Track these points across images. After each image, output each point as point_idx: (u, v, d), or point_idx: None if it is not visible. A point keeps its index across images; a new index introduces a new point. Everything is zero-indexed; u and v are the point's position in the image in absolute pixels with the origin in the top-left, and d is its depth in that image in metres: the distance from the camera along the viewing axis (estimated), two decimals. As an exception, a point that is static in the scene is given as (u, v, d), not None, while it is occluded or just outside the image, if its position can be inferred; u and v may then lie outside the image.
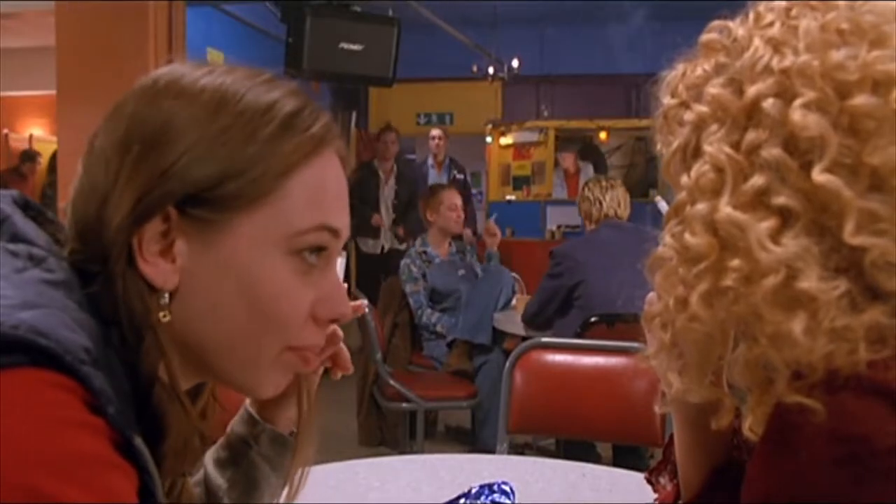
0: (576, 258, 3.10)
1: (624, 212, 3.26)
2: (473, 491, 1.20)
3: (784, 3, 0.62)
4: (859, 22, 0.57)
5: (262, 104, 0.63)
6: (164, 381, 0.61)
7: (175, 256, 0.61)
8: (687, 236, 0.59)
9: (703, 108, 0.61)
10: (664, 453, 0.90)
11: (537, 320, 3.22)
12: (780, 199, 0.55)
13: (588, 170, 7.94)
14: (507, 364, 2.02)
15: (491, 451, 2.49)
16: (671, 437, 0.85)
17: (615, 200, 3.23)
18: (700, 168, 0.59)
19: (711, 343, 0.59)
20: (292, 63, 3.32)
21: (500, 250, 4.20)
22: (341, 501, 1.27)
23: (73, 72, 3.04)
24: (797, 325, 0.53)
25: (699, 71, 0.64)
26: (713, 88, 0.61)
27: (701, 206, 0.58)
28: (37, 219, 0.64)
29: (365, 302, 0.84)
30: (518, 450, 3.55)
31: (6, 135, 8.42)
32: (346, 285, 0.72)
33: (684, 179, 0.61)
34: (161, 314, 0.61)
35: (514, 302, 3.74)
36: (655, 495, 0.89)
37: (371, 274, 5.87)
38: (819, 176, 0.53)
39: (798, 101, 0.55)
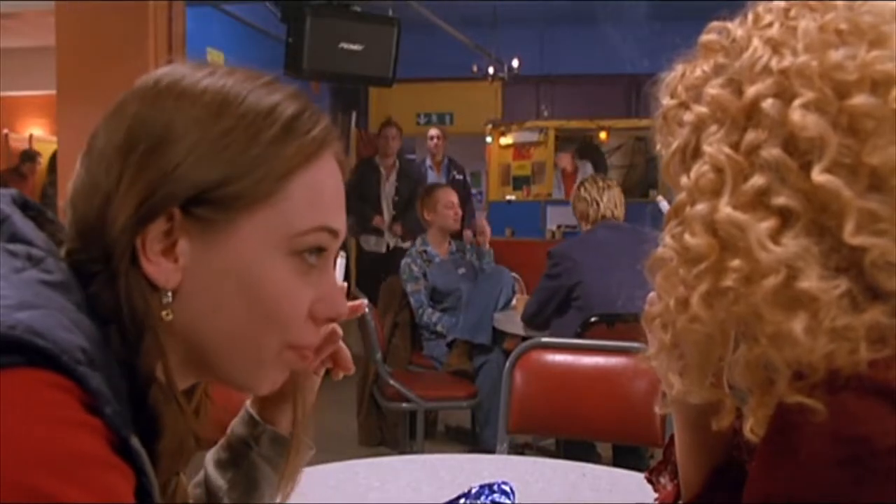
0: (573, 258, 3.10)
1: (620, 212, 3.26)
2: (473, 491, 1.20)
3: (783, 3, 0.62)
4: (858, 22, 0.57)
5: (264, 107, 0.64)
6: (161, 382, 0.61)
7: (177, 256, 0.62)
8: (687, 237, 0.59)
9: (702, 109, 0.61)
10: (664, 453, 0.90)
11: (536, 321, 3.22)
12: (779, 200, 0.55)
13: (586, 169, 7.92)
14: (507, 364, 2.02)
15: (491, 451, 2.49)
16: (671, 437, 0.85)
17: (612, 201, 3.23)
18: (700, 168, 0.59)
19: (712, 344, 0.59)
20: (292, 63, 3.32)
21: (501, 250, 4.21)
22: (341, 501, 1.27)
23: (73, 72, 3.04)
24: (798, 325, 0.53)
25: (698, 72, 0.64)
26: (712, 89, 0.61)
27: (701, 207, 0.58)
28: (36, 219, 0.64)
29: (364, 301, 0.85)
30: (518, 450, 3.55)
31: (6, 135, 8.42)
32: (345, 285, 0.73)
33: (684, 180, 0.61)
34: (164, 313, 0.61)
35: (514, 302, 3.74)
36: (656, 495, 0.89)
37: (373, 273, 5.73)
38: (819, 176, 0.53)
39: (797, 102, 0.55)
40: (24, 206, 0.64)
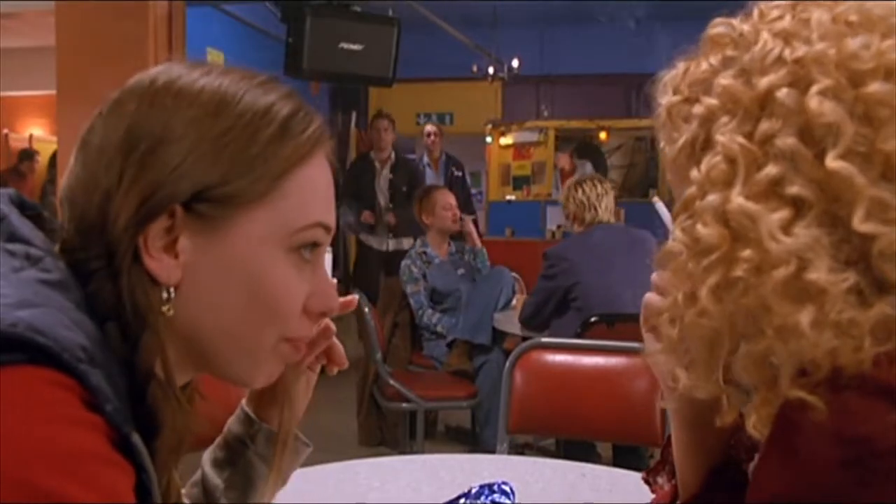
0: (570, 259, 3.10)
1: (613, 219, 3.27)
2: (473, 491, 1.20)
3: (789, 1, 0.62)
4: (868, 14, 0.58)
5: (261, 107, 0.65)
6: (159, 378, 0.61)
7: (178, 252, 0.63)
8: (698, 228, 0.58)
9: (712, 101, 0.61)
10: (662, 454, 0.90)
11: (534, 322, 3.22)
12: (793, 189, 0.55)
13: (585, 168, 7.91)
14: (507, 364, 2.01)
15: (491, 451, 2.49)
16: (669, 437, 0.85)
17: (608, 208, 3.23)
18: (712, 160, 0.59)
19: (720, 338, 0.59)
20: (292, 63, 3.32)
21: (500, 250, 4.22)
22: (341, 501, 1.27)
23: (73, 72, 3.04)
24: (805, 318, 0.53)
25: (704, 66, 0.64)
26: (724, 80, 0.60)
27: (713, 198, 0.58)
28: (33, 218, 0.64)
29: (356, 297, 0.85)
30: (518, 450, 3.55)
31: (6, 135, 8.42)
32: (335, 281, 0.75)
33: (694, 173, 0.61)
34: (165, 308, 0.62)
35: (514, 302, 3.74)
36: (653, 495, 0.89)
37: (372, 271, 5.55)
38: (833, 162, 0.54)
39: (815, 88, 0.55)
40: (21, 206, 0.64)
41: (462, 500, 1.19)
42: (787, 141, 0.56)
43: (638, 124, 8.11)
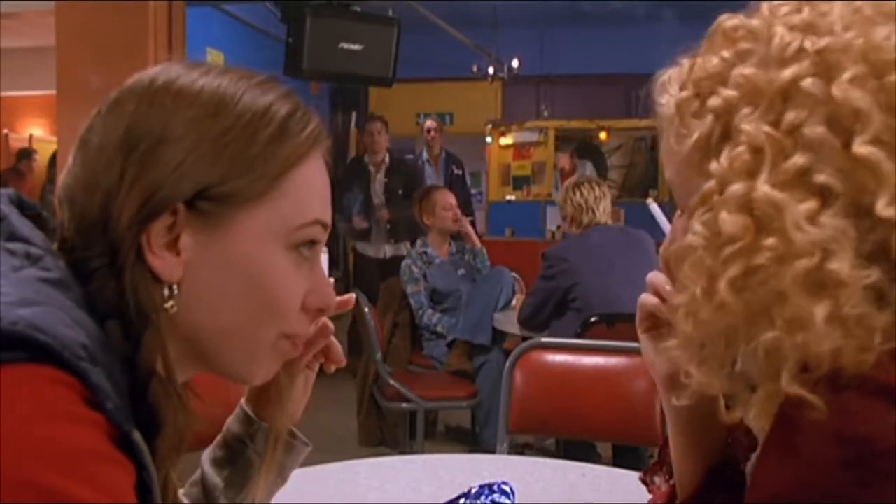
0: (569, 260, 3.10)
1: (610, 219, 3.27)
2: (473, 491, 1.20)
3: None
4: (882, 6, 0.58)
5: (260, 107, 0.66)
6: (161, 376, 0.62)
7: (180, 250, 0.63)
8: (722, 218, 0.58)
9: (731, 93, 0.61)
10: (660, 454, 0.90)
11: (533, 323, 3.22)
12: (821, 178, 0.55)
13: (585, 168, 7.92)
14: (507, 364, 2.01)
15: (491, 451, 2.49)
16: (666, 438, 0.85)
17: (606, 212, 3.23)
18: (734, 150, 0.59)
19: (736, 333, 0.58)
20: (292, 63, 3.32)
21: (500, 250, 4.22)
22: (341, 501, 1.27)
23: (73, 72, 3.04)
24: (820, 311, 0.52)
25: (715, 60, 0.64)
26: (745, 70, 0.60)
27: (737, 187, 0.57)
28: (33, 218, 0.64)
29: (353, 295, 0.86)
30: (518, 450, 3.55)
31: (6, 135, 8.42)
32: (332, 280, 0.75)
33: (713, 166, 0.60)
34: (169, 304, 0.63)
35: (514, 302, 3.74)
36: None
37: (372, 283, 5.07)
38: (861, 148, 0.53)
39: (845, 76, 0.55)
40: (21, 206, 0.65)
41: (462, 500, 1.19)
42: (815, 129, 0.55)
43: (638, 124, 8.11)
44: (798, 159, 0.56)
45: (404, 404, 3.41)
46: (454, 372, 3.76)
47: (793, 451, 0.53)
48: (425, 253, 4.07)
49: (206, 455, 0.89)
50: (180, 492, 0.86)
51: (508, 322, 3.54)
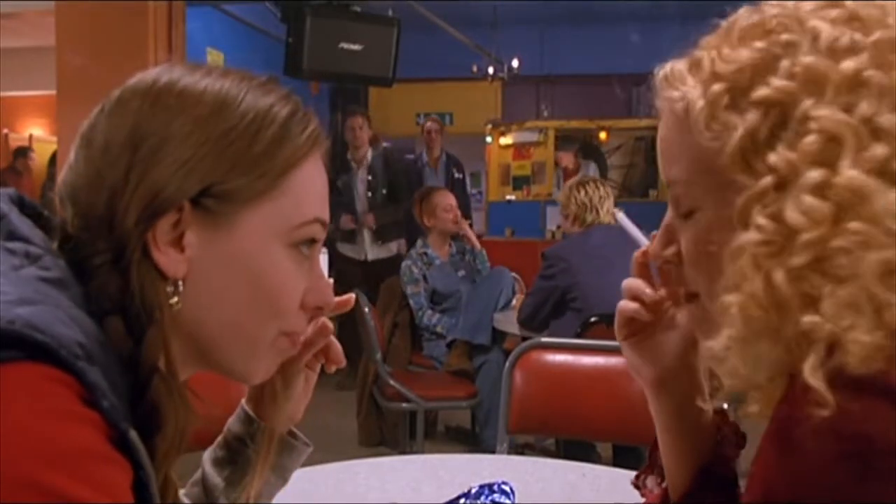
0: (569, 260, 3.10)
1: (612, 219, 3.27)
2: (473, 491, 1.20)
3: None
4: None
5: (262, 107, 0.67)
6: (162, 372, 0.62)
7: (184, 247, 0.64)
8: (805, 203, 0.56)
9: (786, 83, 0.59)
10: (650, 457, 0.90)
11: (532, 323, 3.22)
12: None
13: (589, 169, 7.91)
14: (507, 364, 2.01)
15: (491, 451, 2.49)
16: (656, 440, 0.85)
17: (609, 212, 3.23)
18: (805, 139, 0.57)
19: (785, 325, 0.56)
20: (292, 63, 3.33)
21: (500, 250, 4.22)
22: (341, 501, 1.27)
23: (73, 72, 3.04)
24: (892, 298, 0.51)
25: (747, 52, 0.62)
26: (804, 60, 0.59)
27: (814, 174, 0.56)
28: (33, 217, 0.65)
29: (352, 296, 0.86)
30: (518, 450, 3.55)
31: (6, 135, 8.42)
32: (331, 280, 0.76)
33: (772, 158, 0.58)
34: (173, 301, 0.64)
35: (514, 302, 3.74)
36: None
37: (352, 283, 4.41)
38: None
39: None
40: (21, 205, 0.65)
41: (462, 500, 1.19)
42: (890, 119, 0.55)
43: (638, 124, 8.11)
44: (878, 149, 0.55)
45: (404, 404, 3.41)
46: (454, 372, 3.76)
47: (791, 449, 0.53)
48: (425, 254, 4.07)
49: (207, 455, 0.89)
50: (181, 492, 0.86)
51: (508, 322, 3.54)
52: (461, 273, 4.09)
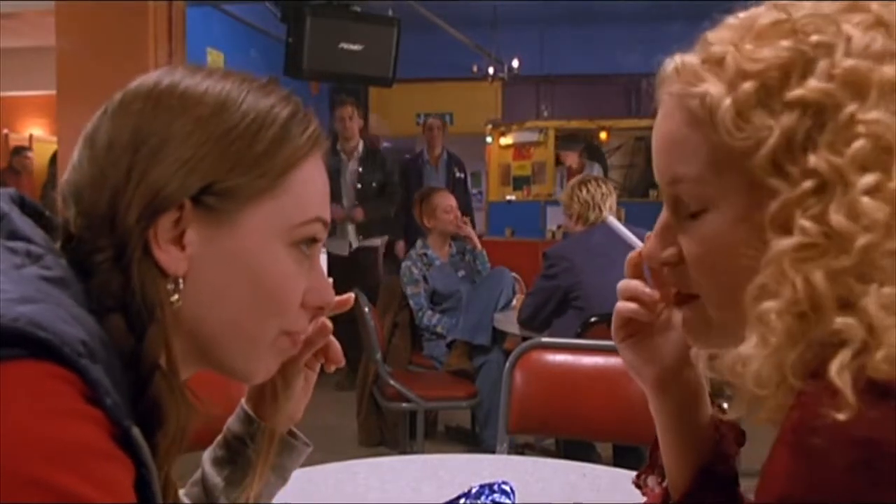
0: (570, 260, 3.10)
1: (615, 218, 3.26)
2: (473, 491, 1.20)
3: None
4: None
5: (263, 108, 0.68)
6: (164, 370, 0.62)
7: (185, 245, 0.65)
8: (864, 204, 0.55)
9: (826, 85, 0.57)
10: (650, 457, 0.90)
11: (533, 323, 3.21)
12: None
13: (594, 170, 7.90)
14: (507, 364, 2.01)
15: (491, 451, 2.49)
16: (656, 440, 0.85)
17: (612, 210, 3.22)
18: (855, 143, 0.56)
19: (820, 328, 0.56)
20: (292, 63, 3.33)
21: (500, 250, 4.22)
22: (341, 501, 1.27)
23: (73, 72, 3.04)
24: None
25: (772, 52, 0.60)
26: (845, 63, 0.57)
27: (870, 178, 0.55)
28: (33, 216, 0.65)
29: (352, 295, 0.86)
30: (518, 450, 3.55)
31: (6, 135, 8.42)
32: (331, 280, 0.77)
33: (814, 160, 0.57)
34: (174, 298, 0.64)
35: (514, 302, 3.74)
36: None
37: (340, 277, 4.55)
38: None
39: None
40: (21, 205, 0.65)
41: (462, 500, 1.19)
42: None
43: (638, 124, 8.11)
44: None
45: (404, 404, 3.41)
46: (454, 372, 3.76)
47: (804, 452, 0.53)
48: (425, 255, 4.07)
49: (207, 455, 0.89)
50: (181, 492, 0.86)
51: (508, 322, 3.54)
52: (461, 273, 4.09)
